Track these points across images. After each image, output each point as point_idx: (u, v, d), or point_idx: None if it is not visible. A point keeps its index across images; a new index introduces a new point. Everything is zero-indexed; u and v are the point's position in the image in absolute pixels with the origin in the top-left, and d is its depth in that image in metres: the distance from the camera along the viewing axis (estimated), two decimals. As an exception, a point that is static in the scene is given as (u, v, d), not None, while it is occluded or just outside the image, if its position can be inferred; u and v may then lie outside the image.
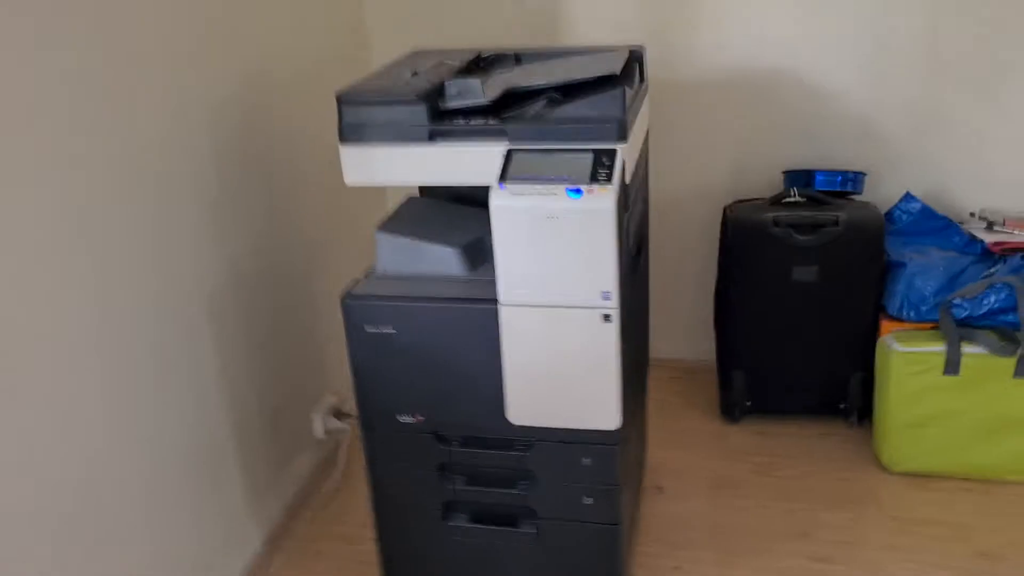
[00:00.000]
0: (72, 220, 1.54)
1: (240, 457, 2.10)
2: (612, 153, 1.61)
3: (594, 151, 1.62)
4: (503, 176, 1.62)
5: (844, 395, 2.51)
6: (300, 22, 2.35)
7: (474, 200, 2.02)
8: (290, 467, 2.34)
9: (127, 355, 1.71)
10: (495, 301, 1.68)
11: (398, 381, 1.80)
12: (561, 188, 1.58)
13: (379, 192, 2.94)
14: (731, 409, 2.60)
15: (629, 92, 1.72)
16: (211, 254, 1.97)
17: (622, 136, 1.62)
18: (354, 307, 1.76)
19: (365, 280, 1.83)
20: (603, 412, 1.73)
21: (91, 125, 1.58)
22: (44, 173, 1.47)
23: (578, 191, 1.57)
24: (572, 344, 1.68)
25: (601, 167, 1.60)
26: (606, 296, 1.62)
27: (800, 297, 2.42)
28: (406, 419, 1.83)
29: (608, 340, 1.66)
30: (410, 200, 2.04)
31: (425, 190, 2.08)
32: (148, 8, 1.73)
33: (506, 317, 1.68)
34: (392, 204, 2.92)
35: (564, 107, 1.70)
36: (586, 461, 1.79)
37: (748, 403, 2.58)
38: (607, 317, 1.64)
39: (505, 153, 1.65)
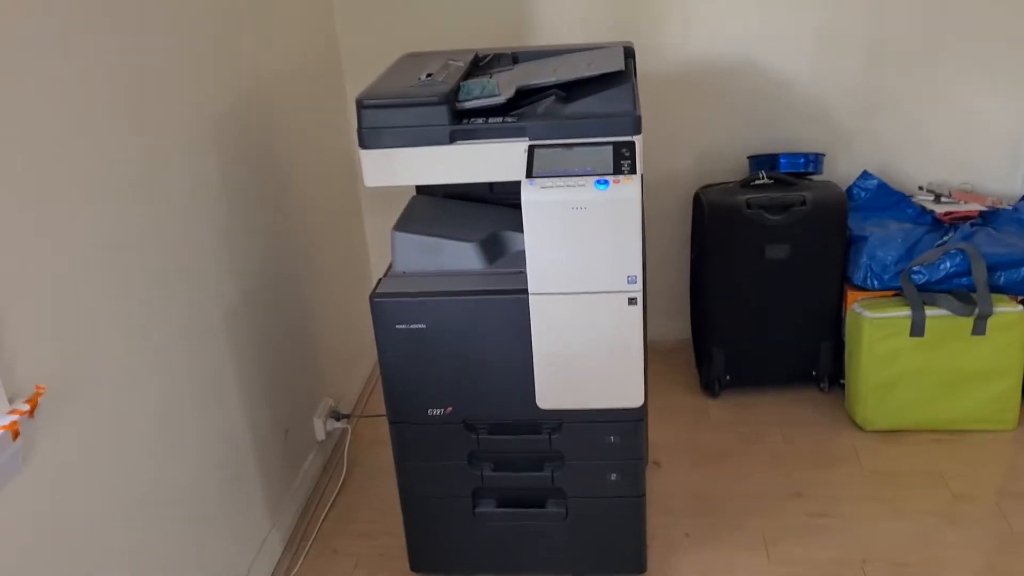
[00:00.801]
0: (112, 250, 1.55)
1: (260, 466, 2.11)
2: (631, 145, 1.71)
3: (613, 144, 1.71)
4: (530, 172, 1.70)
5: (815, 363, 2.69)
6: (281, 37, 2.36)
7: (473, 196, 2.10)
8: (299, 471, 2.37)
9: (168, 376, 1.72)
10: (524, 291, 1.75)
11: (428, 375, 1.86)
12: (588, 180, 1.66)
13: (357, 198, 2.98)
14: (711, 384, 2.74)
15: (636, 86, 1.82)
16: (225, 273, 1.98)
17: (638, 128, 1.72)
18: (384, 306, 1.81)
19: (387, 279, 1.88)
20: (628, 391, 1.83)
21: (118, 154, 1.57)
22: (83, 208, 1.47)
23: (605, 182, 1.66)
24: (599, 328, 1.77)
25: (622, 158, 1.69)
26: (631, 280, 1.72)
27: (773, 274, 2.58)
28: (436, 412, 1.89)
29: (633, 322, 1.76)
30: (415, 199, 2.10)
31: (422, 187, 2.13)
32: (157, 28, 1.73)
33: (536, 306, 1.76)
34: (370, 210, 2.97)
35: (578, 103, 1.79)
36: (612, 439, 1.88)
37: (727, 377, 2.72)
38: (632, 300, 1.74)
39: (527, 149, 1.73)
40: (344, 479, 2.47)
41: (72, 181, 1.43)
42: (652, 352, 2.98)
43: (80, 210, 1.45)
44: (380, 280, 1.88)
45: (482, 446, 1.93)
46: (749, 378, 2.74)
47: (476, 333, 1.81)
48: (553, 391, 1.84)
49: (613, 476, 1.92)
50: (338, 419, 2.57)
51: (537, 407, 1.86)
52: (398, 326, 1.82)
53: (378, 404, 2.80)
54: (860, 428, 2.53)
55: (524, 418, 1.88)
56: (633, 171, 1.67)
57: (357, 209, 2.99)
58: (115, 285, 1.55)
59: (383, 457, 2.50)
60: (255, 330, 2.10)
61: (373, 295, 1.81)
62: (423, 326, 1.81)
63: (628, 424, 1.87)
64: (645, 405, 1.88)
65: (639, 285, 1.73)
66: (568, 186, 1.67)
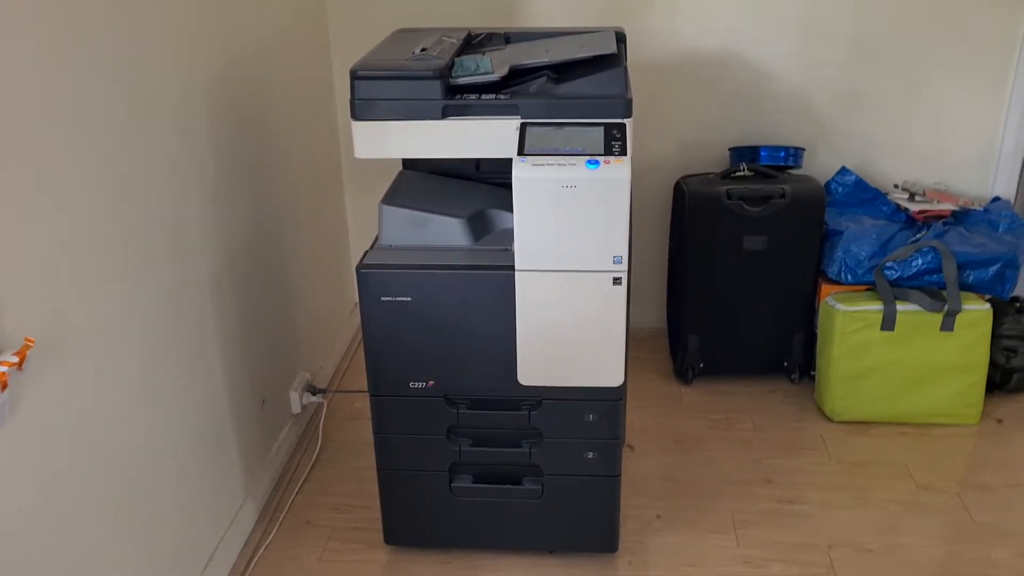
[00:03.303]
0: (103, 215, 1.54)
1: (238, 433, 2.11)
2: (622, 127, 1.73)
3: (604, 125, 1.73)
4: (521, 149, 1.71)
5: (787, 354, 2.73)
6: (271, 4, 2.35)
7: (459, 174, 2.11)
8: (274, 443, 2.36)
9: (153, 336, 1.71)
10: (511, 268, 1.77)
11: (411, 349, 1.87)
12: (580, 160, 1.68)
13: (338, 174, 2.97)
14: (685, 371, 2.78)
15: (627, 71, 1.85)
16: (212, 239, 1.97)
17: (629, 111, 1.74)
18: (370, 277, 1.81)
19: (374, 251, 1.89)
20: (609, 370, 1.86)
21: (109, 115, 1.56)
22: (75, 167, 1.46)
23: (596, 162, 1.68)
24: (583, 307, 1.79)
25: (613, 140, 1.71)
26: (617, 260, 1.74)
27: (750, 264, 2.62)
28: (417, 385, 1.90)
29: (617, 302, 1.79)
30: (403, 174, 2.10)
31: (408, 163, 2.14)
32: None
33: (522, 283, 1.78)
34: (351, 186, 2.97)
35: (570, 84, 1.81)
36: (591, 417, 1.91)
37: (701, 365, 2.76)
38: (617, 280, 1.76)
39: (519, 127, 1.74)
40: (319, 453, 2.47)
41: (64, 139, 1.42)
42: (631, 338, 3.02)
43: (72, 168, 1.44)
44: (367, 252, 1.88)
45: (461, 421, 1.94)
46: (722, 367, 2.78)
47: (461, 308, 1.82)
48: (535, 368, 1.86)
49: (590, 455, 1.95)
50: (314, 393, 2.56)
51: (518, 383, 1.87)
52: (383, 298, 1.83)
53: (354, 381, 2.81)
54: (829, 419, 2.58)
55: (505, 394, 1.90)
56: (624, 153, 1.69)
57: (338, 185, 2.98)
58: (104, 243, 1.54)
59: (358, 433, 2.51)
60: (238, 297, 2.10)
61: (360, 266, 1.82)
62: (408, 299, 1.82)
63: (607, 403, 1.90)
64: (625, 385, 1.90)
65: (624, 266, 1.75)
66: (559, 164, 1.68)
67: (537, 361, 1.85)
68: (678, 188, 2.70)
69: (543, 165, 1.69)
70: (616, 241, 1.73)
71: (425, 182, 2.07)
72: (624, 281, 1.77)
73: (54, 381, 1.39)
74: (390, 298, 1.82)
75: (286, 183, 2.43)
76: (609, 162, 1.68)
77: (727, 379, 2.79)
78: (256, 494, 2.22)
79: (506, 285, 1.79)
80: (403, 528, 2.07)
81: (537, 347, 1.84)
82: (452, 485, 2.01)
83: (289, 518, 2.24)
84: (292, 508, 2.27)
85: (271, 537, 2.16)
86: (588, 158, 1.68)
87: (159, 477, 1.75)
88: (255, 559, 2.09)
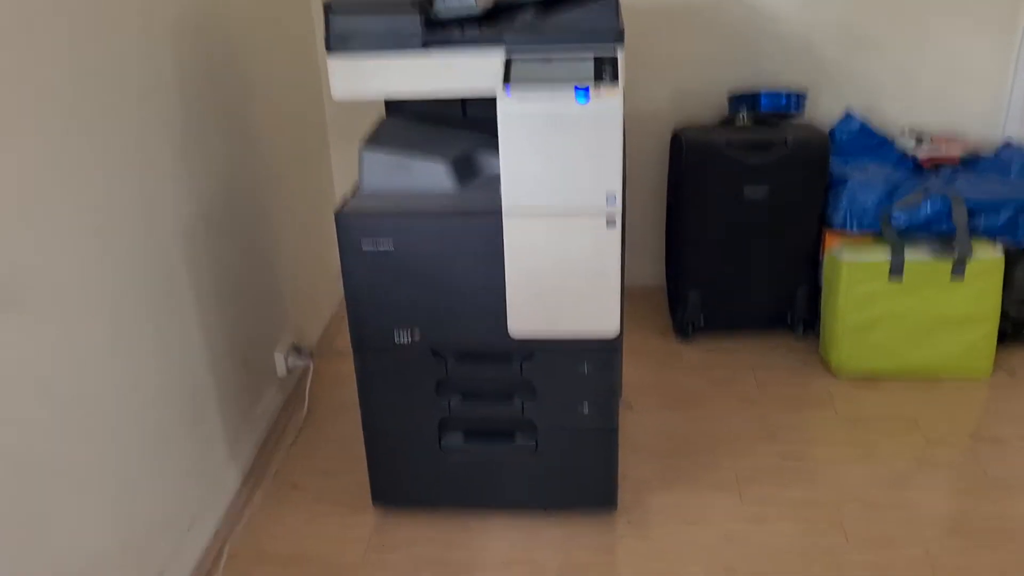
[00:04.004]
0: (58, 156, 1.44)
1: (217, 395, 2.02)
2: (613, 58, 1.62)
3: (594, 57, 1.63)
4: (507, 81, 1.61)
5: (791, 308, 2.64)
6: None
7: (445, 119, 2.01)
8: (258, 406, 2.27)
9: (121, 296, 1.61)
10: (498, 212, 1.67)
11: (394, 299, 1.77)
12: (568, 91, 1.58)
13: (322, 123, 2.86)
14: (684, 328, 2.69)
15: None
16: (182, 188, 1.87)
17: (620, 39, 1.64)
18: (350, 224, 1.72)
19: (354, 198, 1.79)
20: (604, 319, 1.76)
21: (62, 57, 1.45)
22: (35, 110, 1.36)
23: (586, 93, 1.57)
24: (575, 251, 1.69)
25: (604, 70, 1.61)
26: (611, 200, 1.65)
27: (751, 215, 2.52)
28: (402, 338, 1.81)
29: (611, 245, 1.69)
30: (385, 120, 2.00)
31: (392, 110, 2.04)
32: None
33: (509, 227, 1.68)
34: (335, 137, 2.86)
35: (558, 16, 1.70)
36: (585, 369, 1.82)
37: (701, 321, 2.67)
38: (611, 222, 1.67)
39: (504, 61, 1.64)
40: (305, 417, 2.39)
41: (13, 74, 1.31)
42: (626, 296, 2.93)
43: (23, 105, 1.34)
44: (346, 198, 1.78)
45: (450, 375, 1.85)
46: (723, 322, 2.69)
47: (446, 256, 1.73)
48: (525, 318, 1.77)
49: (585, 408, 1.86)
50: (300, 355, 2.47)
51: (508, 335, 1.78)
52: (364, 247, 1.73)
53: (343, 342, 2.72)
54: (834, 374, 2.49)
55: (494, 346, 1.81)
56: (615, 81, 1.58)
57: (322, 136, 2.87)
58: (61, 187, 1.44)
59: (346, 396, 2.42)
60: (213, 251, 2.00)
61: (339, 213, 1.72)
62: (390, 247, 1.73)
63: (602, 354, 1.80)
64: (621, 335, 1.81)
65: (618, 206, 1.65)
66: (548, 98, 1.58)
67: (527, 311, 1.76)
68: (675, 138, 2.59)
69: (530, 99, 1.59)
70: (609, 179, 1.63)
71: (409, 127, 1.97)
72: (618, 223, 1.67)
73: (15, 331, 1.30)
74: (371, 246, 1.73)
75: (264, 131, 2.33)
76: (600, 93, 1.58)
77: (728, 335, 2.70)
78: (240, 457, 2.13)
79: (493, 230, 1.69)
80: (391, 489, 1.99)
81: (527, 296, 1.74)
82: (442, 443, 1.92)
83: (275, 482, 2.15)
84: (278, 472, 2.19)
85: (256, 500, 2.08)
86: (577, 88, 1.58)
87: (132, 436, 1.67)
88: (240, 523, 2.01)
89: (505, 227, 1.68)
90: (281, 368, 2.41)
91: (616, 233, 1.67)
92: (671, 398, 2.44)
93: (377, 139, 1.87)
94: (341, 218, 1.72)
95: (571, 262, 1.70)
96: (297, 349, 2.48)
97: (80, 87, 1.49)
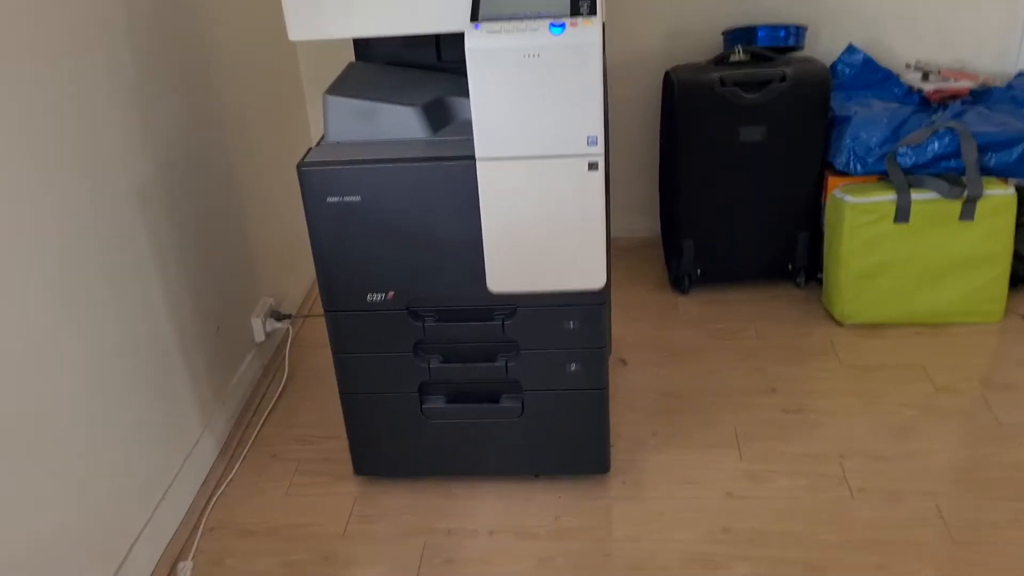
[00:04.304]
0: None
1: (186, 365, 1.92)
2: (591, -14, 1.49)
3: (571, -16, 1.49)
4: (475, 15, 1.48)
5: (791, 256, 2.52)
6: None
7: (417, 64, 1.88)
8: (235, 373, 2.17)
9: (72, 258, 1.50)
10: (471, 158, 1.55)
11: (365, 256, 1.66)
12: (542, 24, 1.45)
13: (296, 78, 2.73)
14: (680, 280, 2.57)
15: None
16: (137, 143, 1.75)
17: (599, -35, 1.50)
18: (313, 175, 1.60)
19: (318, 148, 1.67)
20: (589, 271, 1.65)
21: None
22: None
23: (561, 25, 1.44)
24: (556, 198, 1.57)
25: (581, 3, 1.47)
26: (592, 141, 1.52)
27: (747, 159, 2.39)
28: (375, 297, 1.70)
29: (594, 191, 1.57)
30: (353, 65, 1.87)
31: (362, 55, 1.91)
32: None
33: (484, 174, 1.56)
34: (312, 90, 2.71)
35: (530, -59, 1.56)
36: (571, 325, 1.71)
37: (697, 272, 2.55)
38: (593, 165, 1.54)
39: (472, -7, 1.50)
40: (285, 383, 2.29)
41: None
42: (619, 249, 2.82)
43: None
44: (310, 149, 1.66)
45: (428, 335, 1.74)
46: (720, 273, 2.58)
47: (418, 207, 1.61)
48: (505, 272, 1.65)
49: (573, 367, 1.75)
50: (279, 319, 2.37)
51: (488, 290, 1.67)
52: (329, 199, 1.61)
53: (324, 305, 2.61)
54: (838, 323, 2.38)
55: (474, 303, 1.70)
56: (593, 12, 1.45)
57: (298, 88, 2.73)
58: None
59: (328, 360, 2.30)
60: (175, 211, 1.88)
61: (301, 164, 1.60)
62: (357, 198, 1.61)
63: (589, 308, 1.69)
64: (608, 288, 1.70)
65: (600, 148, 1.53)
66: (519, 31, 1.45)
67: (507, 265, 1.64)
68: (666, 79, 2.45)
69: (500, 32, 1.45)
70: (589, 119, 1.50)
71: (378, 72, 1.84)
72: (601, 166, 1.54)
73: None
74: (337, 198, 1.61)
75: (230, 83, 2.20)
76: (576, 24, 1.44)
77: (726, 286, 2.59)
78: (215, 427, 2.04)
79: (467, 178, 1.57)
80: (373, 457, 1.90)
81: (506, 249, 1.63)
82: (423, 407, 1.82)
83: (253, 452, 2.06)
84: (256, 441, 2.10)
85: (234, 472, 1.99)
86: (552, 21, 1.44)
87: (91, 407, 1.57)
88: (216, 495, 1.92)
89: (479, 174, 1.56)
90: (259, 333, 2.31)
91: (599, 177, 1.55)
92: (667, 353, 2.33)
93: (343, 85, 1.75)
94: (303, 170, 1.60)
95: (552, 210, 1.58)
96: (276, 313, 2.37)
97: (9, 26, 1.37)
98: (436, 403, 1.82)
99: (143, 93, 1.77)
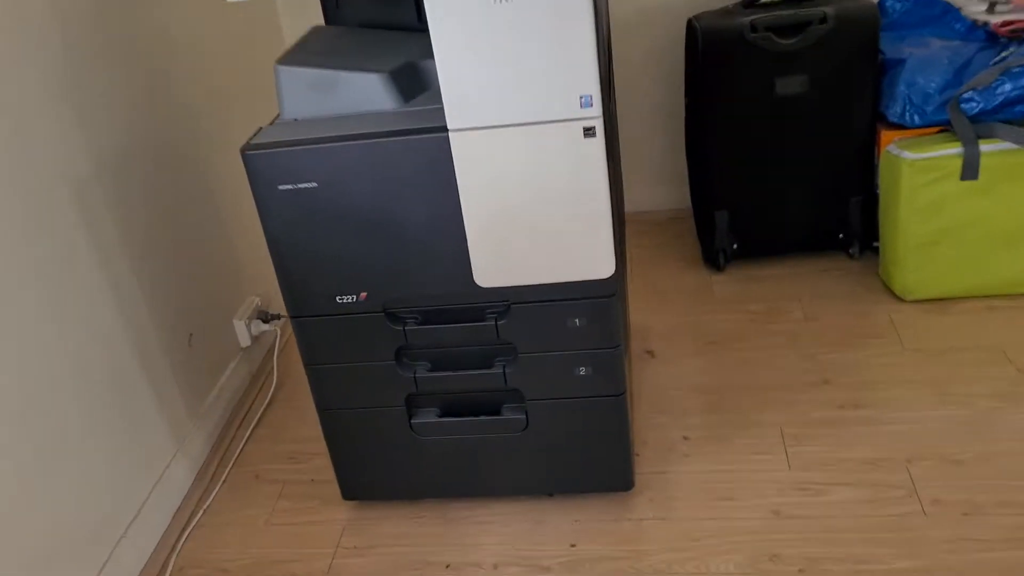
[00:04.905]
0: None
1: (151, 383, 1.70)
2: (575, -94, 1.20)
3: (551, -91, 1.21)
4: (433, -49, 1.21)
5: (842, 224, 2.21)
6: None
7: (395, 26, 1.62)
8: (216, 384, 1.95)
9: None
10: (443, 129, 1.28)
11: (329, 251, 1.41)
12: (515, -44, 1.17)
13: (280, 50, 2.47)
14: (715, 256, 2.28)
15: None
16: (71, 133, 1.52)
17: None
18: (259, 160, 1.35)
19: (269, 128, 1.42)
20: (593, 257, 1.38)
21: None
22: None
23: (538, -42, 1.17)
24: (547, 172, 1.30)
25: (564, -73, 1.19)
26: (586, 102, 1.25)
27: (785, 114, 2.09)
28: (346, 299, 1.45)
29: (593, 161, 1.29)
30: (315, 29, 1.61)
31: (332, 18, 1.65)
32: None
33: (459, 148, 1.29)
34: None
35: None
36: (577, 322, 1.44)
37: (734, 246, 2.26)
38: (589, 131, 1.27)
39: (432, -75, 1.23)
40: (274, 392, 2.06)
41: None
42: (644, 224, 2.54)
43: None
44: (260, 129, 1.41)
45: (412, 340, 1.49)
46: (760, 246, 2.28)
47: (386, 192, 1.35)
48: (494, 264, 1.39)
49: (582, 370, 1.49)
50: (267, 320, 2.14)
51: (476, 285, 1.41)
52: (281, 186, 1.36)
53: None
54: (899, 298, 2.07)
55: (461, 301, 1.44)
56: (578, -60, 1.17)
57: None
58: None
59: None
60: (124, 210, 1.65)
61: (245, 147, 1.35)
62: (313, 184, 1.36)
63: (597, 301, 1.42)
64: (619, 274, 1.43)
65: (597, 109, 1.25)
66: (486, -33, 1.18)
67: (495, 254, 1.38)
68: (690, 28, 2.15)
69: (464, -30, 1.18)
70: (581, 75, 1.22)
71: (342, 36, 1.59)
72: (600, 131, 1.27)
73: None
74: (289, 186, 1.36)
75: (198, 57, 1.96)
76: (557, -45, 1.17)
77: (767, 261, 2.29)
78: (191, 448, 1.82)
79: (441, 154, 1.31)
80: (361, 480, 1.66)
81: (493, 235, 1.36)
82: (412, 422, 1.57)
83: (235, 473, 1.84)
84: (240, 460, 1.87)
85: (211, 498, 1.77)
86: (526, -47, 1.17)
87: (36, 441, 1.35)
88: (189, 527, 1.70)
89: (453, 148, 1.29)
90: (244, 337, 2.08)
91: (598, 144, 1.28)
92: (701, 341, 2.05)
93: (299, 52, 1.49)
94: (249, 154, 1.35)
95: (544, 187, 1.31)
96: (263, 314, 2.14)
97: None
98: (427, 417, 1.57)
99: (78, 74, 1.54)
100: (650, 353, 2.02)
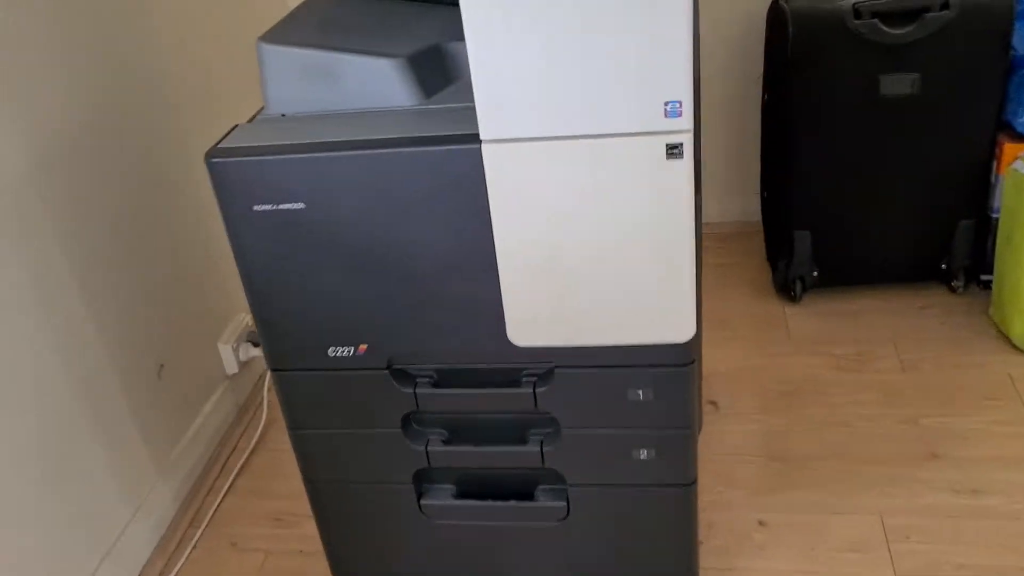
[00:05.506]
0: None
1: (105, 427, 1.38)
2: None
3: None
4: None
5: (947, 251, 1.85)
6: None
7: (418, -2, 1.28)
8: (192, 424, 1.63)
9: None
10: (475, 139, 0.94)
11: (319, 291, 1.08)
12: (585, -98, 0.83)
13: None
14: (791, 284, 1.92)
15: None
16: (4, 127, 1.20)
17: None
18: (230, 170, 1.02)
19: (246, 127, 1.09)
20: (668, 315, 1.03)
21: None
22: None
23: (618, -95, 0.82)
24: (612, 203, 0.96)
25: None
26: (673, 111, 0.90)
27: (889, 119, 1.73)
28: (341, 351, 1.12)
29: (677, 189, 0.95)
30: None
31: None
32: None
33: (495, 163, 0.95)
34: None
35: None
36: (640, 394, 1.10)
37: (814, 274, 1.90)
38: (674, 150, 0.92)
39: None
40: (263, 431, 1.74)
41: None
42: (708, 239, 2.17)
43: None
44: (235, 128, 1.08)
45: (423, 405, 1.16)
46: (846, 274, 1.93)
47: (395, 218, 1.02)
48: (534, 316, 1.05)
49: (643, 453, 1.15)
50: (258, 344, 1.81)
51: (510, 343, 1.07)
52: (258, 206, 1.03)
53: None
54: (1017, 348, 1.71)
55: (489, 360, 1.11)
56: None
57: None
58: None
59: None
60: (69, 207, 1.33)
61: (211, 152, 1.02)
62: (300, 206, 1.02)
63: (667, 371, 1.08)
64: (698, 339, 1.09)
65: (687, 121, 0.91)
66: (545, -82, 0.84)
67: (536, 305, 1.04)
68: (775, 8, 1.79)
69: (512, -77, 0.84)
70: (669, 73, 0.88)
71: (348, 7, 1.24)
72: (688, 150, 0.92)
73: None
74: (268, 206, 1.03)
75: (174, 24, 1.63)
76: (646, -97, 0.82)
77: (853, 292, 1.94)
78: (155, 505, 1.50)
79: (468, 171, 0.97)
80: (356, 564, 1.33)
81: (535, 280, 1.02)
82: (422, 502, 1.24)
83: (208, 538, 1.53)
84: (215, 520, 1.56)
85: (176, 572, 1.45)
86: None
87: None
88: (146, 612, 1.39)
89: (487, 165, 0.95)
90: (231, 364, 1.76)
91: (684, 167, 0.93)
92: (775, 391, 1.70)
93: (290, 27, 1.16)
94: (215, 161, 1.01)
95: (605, 220, 0.97)
96: (254, 336, 1.82)
97: None
98: (440, 497, 1.24)
99: (15, 45, 1.21)
100: (713, 404, 1.68)
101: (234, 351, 1.76)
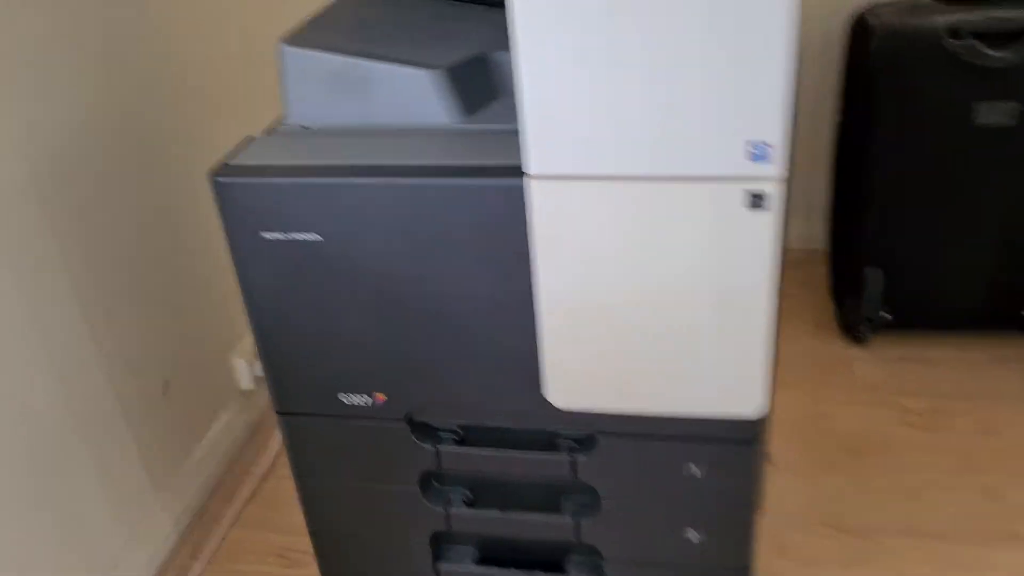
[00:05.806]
0: None
1: (104, 449, 1.27)
2: None
3: None
4: None
5: (1032, 299, 1.68)
6: None
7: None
8: (198, 444, 1.52)
9: None
10: (518, 171, 0.80)
11: (334, 332, 0.94)
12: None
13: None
14: (857, 325, 1.75)
15: None
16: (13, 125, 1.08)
17: None
18: (235, 192, 0.89)
19: (262, 140, 0.95)
20: (735, 386, 0.89)
21: None
22: None
23: (711, -97, 0.67)
24: (678, 255, 0.82)
25: None
26: (760, 154, 0.75)
27: (982, 150, 1.55)
28: (355, 399, 0.99)
29: (758, 245, 0.80)
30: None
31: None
32: None
33: (542, 202, 0.81)
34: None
35: None
36: (695, 470, 0.95)
37: (886, 315, 1.73)
38: (759, 199, 0.77)
39: None
40: (277, 454, 1.62)
41: None
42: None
43: None
44: (244, 141, 0.95)
45: (446, 464, 1.02)
46: (921, 317, 1.76)
47: (422, 255, 0.88)
48: (577, 377, 0.91)
49: (695, 536, 1.00)
50: (276, 358, 1.69)
51: (548, 404, 0.93)
52: (266, 234, 0.90)
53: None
54: (1112, 411, 1.54)
55: (523, 422, 0.97)
56: None
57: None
58: None
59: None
60: (68, 210, 1.21)
61: (217, 170, 0.89)
62: (316, 237, 0.89)
63: (731, 446, 0.93)
64: (770, 415, 0.94)
65: (777, 167, 0.76)
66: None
67: (581, 364, 0.90)
68: (860, 25, 1.62)
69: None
70: (759, 110, 0.73)
71: (382, 8, 1.10)
72: (776, 202, 0.77)
73: None
74: (279, 235, 0.89)
75: (194, 14, 1.50)
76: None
77: (927, 338, 1.76)
78: (153, 534, 1.39)
79: (510, 209, 0.83)
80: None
81: (580, 336, 0.88)
82: (439, 565, 1.11)
83: (208, 574, 1.40)
84: (218, 555, 1.44)
85: (170, 613, 1.34)
86: None
87: None
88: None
89: (534, 202, 0.81)
90: (245, 379, 1.64)
91: (770, 221, 0.78)
92: (838, 447, 1.54)
93: (317, 29, 1.02)
94: (221, 181, 0.88)
95: (668, 275, 0.83)
96: (273, 349, 1.69)
97: None
98: (460, 562, 1.11)
99: (26, 39, 1.09)
100: (766, 456, 1.52)
101: (249, 365, 1.64)
